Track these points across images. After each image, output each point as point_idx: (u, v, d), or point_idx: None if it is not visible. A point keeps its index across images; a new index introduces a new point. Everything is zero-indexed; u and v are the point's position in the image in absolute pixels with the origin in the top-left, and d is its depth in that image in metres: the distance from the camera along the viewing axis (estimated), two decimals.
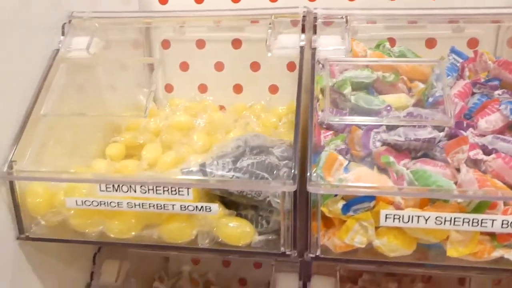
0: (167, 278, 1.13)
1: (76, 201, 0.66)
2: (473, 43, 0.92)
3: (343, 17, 0.78)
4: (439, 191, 0.57)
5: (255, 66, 1.02)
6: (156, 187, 0.63)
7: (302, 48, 0.75)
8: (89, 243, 0.71)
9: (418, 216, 0.57)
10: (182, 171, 0.66)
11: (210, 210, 0.63)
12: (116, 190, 0.64)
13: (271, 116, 0.91)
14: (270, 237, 0.65)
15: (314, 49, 0.75)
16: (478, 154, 0.62)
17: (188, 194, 0.63)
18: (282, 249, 0.64)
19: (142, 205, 0.65)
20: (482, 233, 0.59)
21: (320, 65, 0.73)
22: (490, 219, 0.56)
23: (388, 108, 0.69)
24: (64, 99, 0.77)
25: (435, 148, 0.64)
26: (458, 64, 0.76)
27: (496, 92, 0.72)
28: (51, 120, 0.75)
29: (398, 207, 0.60)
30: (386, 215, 0.58)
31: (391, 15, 0.82)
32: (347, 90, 0.71)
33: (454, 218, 0.57)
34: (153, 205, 0.64)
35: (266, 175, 0.64)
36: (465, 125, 0.66)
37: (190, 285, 1.13)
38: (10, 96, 0.71)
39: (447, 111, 0.64)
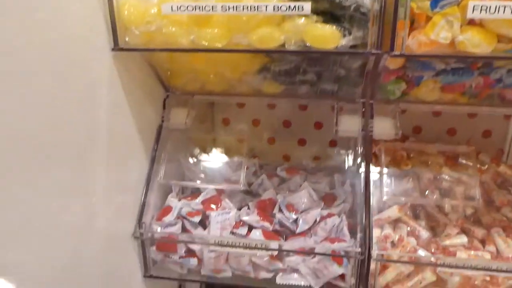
0: None
1: (171, 6, 0.70)
2: None
3: None
4: None
5: None
6: None
7: None
8: (181, 50, 0.75)
9: (505, 7, 0.61)
10: None
11: (303, 10, 0.67)
12: None
13: None
14: (355, 43, 0.70)
15: None
16: None
17: None
18: (369, 48, 0.68)
19: (236, 8, 0.68)
20: None
21: None
22: None
23: None
24: None
25: None
26: None
27: None
28: None
29: None
30: (474, 6, 0.62)
31: None
32: None
33: None
34: (247, 7, 0.68)
35: None
36: None
37: None
38: None
39: None
